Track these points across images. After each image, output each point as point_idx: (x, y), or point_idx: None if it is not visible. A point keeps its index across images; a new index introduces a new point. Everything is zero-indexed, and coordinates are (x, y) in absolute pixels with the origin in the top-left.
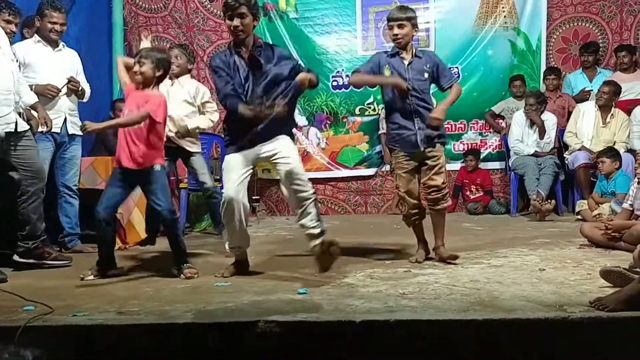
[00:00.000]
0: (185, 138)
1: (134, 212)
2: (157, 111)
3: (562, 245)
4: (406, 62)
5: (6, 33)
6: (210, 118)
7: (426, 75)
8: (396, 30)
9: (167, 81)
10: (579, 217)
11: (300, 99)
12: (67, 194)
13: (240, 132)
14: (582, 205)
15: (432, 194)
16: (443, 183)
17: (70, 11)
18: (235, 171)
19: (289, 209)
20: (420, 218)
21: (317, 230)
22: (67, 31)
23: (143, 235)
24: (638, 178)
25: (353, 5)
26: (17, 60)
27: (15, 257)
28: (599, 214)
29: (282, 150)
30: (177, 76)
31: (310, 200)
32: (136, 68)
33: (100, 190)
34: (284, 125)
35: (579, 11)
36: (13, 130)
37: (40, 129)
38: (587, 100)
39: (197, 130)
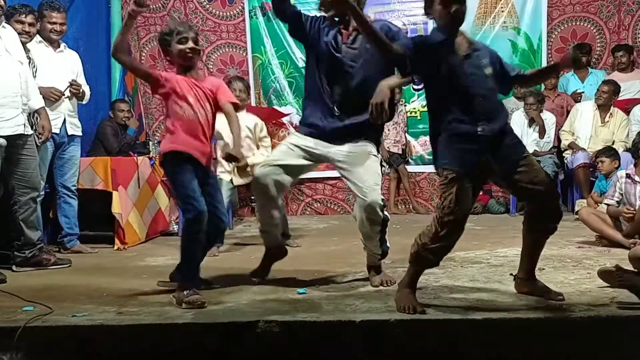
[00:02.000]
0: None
1: (132, 213)
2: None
3: (562, 244)
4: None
5: (19, 34)
6: (266, 153)
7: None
8: None
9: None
10: (578, 216)
11: (298, 98)
12: (66, 194)
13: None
14: (581, 204)
15: None
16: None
17: (68, 11)
18: (284, 152)
19: (288, 210)
20: None
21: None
22: (67, 32)
23: (142, 236)
24: (627, 173)
25: None
26: (30, 62)
27: (14, 268)
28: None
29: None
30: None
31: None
32: (192, 44)
33: (99, 190)
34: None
35: (577, 11)
36: (22, 132)
37: (39, 139)
38: (579, 102)
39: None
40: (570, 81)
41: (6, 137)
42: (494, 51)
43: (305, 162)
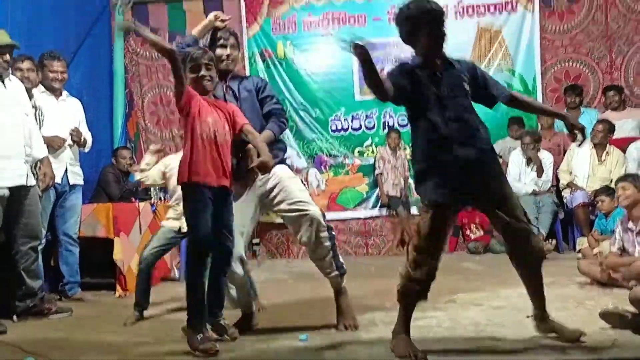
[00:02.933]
0: None
1: (133, 259)
2: None
3: (564, 284)
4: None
5: (22, 80)
6: None
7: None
8: None
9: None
10: (580, 255)
11: (299, 141)
12: (67, 242)
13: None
14: (582, 243)
15: None
16: None
17: (72, 60)
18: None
19: (290, 252)
20: None
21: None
22: (69, 80)
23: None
24: (621, 220)
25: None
26: (36, 110)
27: (15, 318)
28: (599, 252)
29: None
30: None
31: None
32: (204, 72)
33: (101, 237)
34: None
35: (569, 52)
36: (24, 183)
37: (40, 186)
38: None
39: None
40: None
41: (9, 188)
42: (473, 66)
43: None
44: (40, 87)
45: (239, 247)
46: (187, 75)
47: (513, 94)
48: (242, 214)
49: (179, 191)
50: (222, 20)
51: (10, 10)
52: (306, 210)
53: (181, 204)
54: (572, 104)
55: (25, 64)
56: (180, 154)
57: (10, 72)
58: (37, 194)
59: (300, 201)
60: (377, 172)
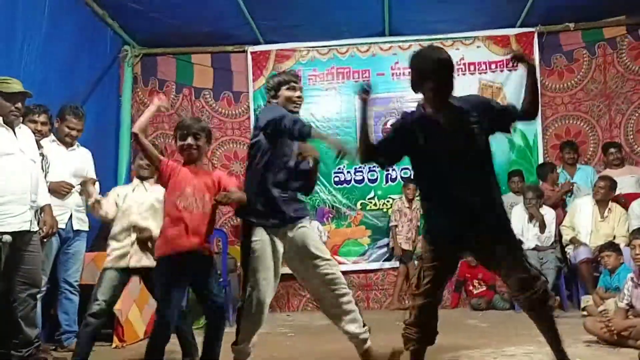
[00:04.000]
0: None
1: (132, 310)
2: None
3: (569, 342)
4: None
5: (33, 132)
6: None
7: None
8: None
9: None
10: (585, 312)
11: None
12: (68, 290)
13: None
14: (587, 300)
15: None
16: None
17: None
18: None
19: (290, 306)
20: None
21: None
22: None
23: (141, 334)
24: (631, 276)
25: (353, 106)
26: (44, 159)
27: None
28: (604, 310)
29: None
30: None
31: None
32: (190, 141)
33: None
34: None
35: (569, 110)
36: (28, 229)
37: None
38: (571, 192)
39: None
40: (560, 176)
41: (12, 233)
42: (481, 100)
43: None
44: (52, 137)
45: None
46: (176, 144)
47: (523, 108)
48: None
49: (121, 222)
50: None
51: (25, 62)
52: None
53: (124, 236)
54: (570, 160)
55: (42, 118)
56: (128, 185)
57: (21, 120)
58: (39, 241)
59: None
60: (391, 224)
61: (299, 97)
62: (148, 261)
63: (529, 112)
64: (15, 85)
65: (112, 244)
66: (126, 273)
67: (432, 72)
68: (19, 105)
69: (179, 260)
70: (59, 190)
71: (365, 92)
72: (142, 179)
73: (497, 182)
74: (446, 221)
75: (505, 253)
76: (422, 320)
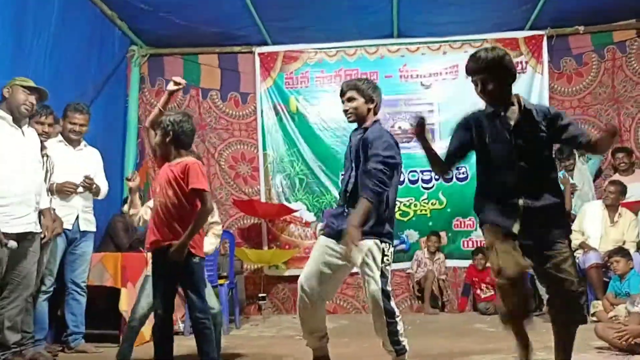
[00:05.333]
0: None
1: None
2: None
3: (581, 348)
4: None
5: (40, 134)
6: (214, 241)
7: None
8: None
9: None
10: (595, 318)
11: (308, 195)
12: (75, 291)
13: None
14: (596, 306)
15: None
16: None
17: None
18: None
19: (296, 308)
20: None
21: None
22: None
23: (148, 335)
24: None
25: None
26: (48, 159)
27: None
28: (614, 316)
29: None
30: None
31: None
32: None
33: (105, 287)
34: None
35: (577, 114)
36: (32, 230)
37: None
38: (573, 193)
39: None
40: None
41: (16, 235)
42: (550, 111)
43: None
44: (59, 137)
45: None
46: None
47: (592, 141)
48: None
49: None
50: (177, 83)
51: (33, 61)
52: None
53: None
54: (623, 165)
55: (49, 119)
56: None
57: (28, 121)
58: (39, 243)
59: None
60: (409, 270)
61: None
62: None
63: (590, 149)
64: (29, 82)
65: None
66: None
67: (478, 73)
68: (33, 100)
69: (153, 257)
70: (62, 190)
71: (419, 125)
72: None
73: (556, 184)
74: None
75: (554, 257)
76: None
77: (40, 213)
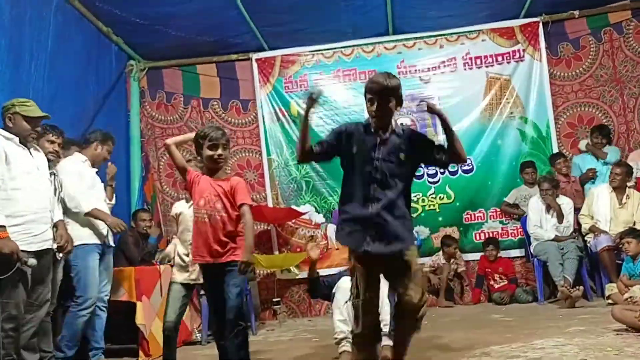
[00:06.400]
0: None
1: (154, 323)
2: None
3: (599, 332)
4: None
5: (49, 153)
6: None
7: (401, 155)
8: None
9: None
10: (610, 301)
11: (316, 197)
12: (98, 306)
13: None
14: (611, 288)
15: None
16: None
17: (90, 128)
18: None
19: (311, 310)
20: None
21: None
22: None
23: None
24: None
25: (362, 107)
26: (55, 177)
27: None
28: (630, 297)
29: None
30: None
31: None
32: (220, 152)
33: (122, 301)
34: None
35: (580, 97)
36: (49, 247)
37: (58, 253)
38: (593, 179)
39: None
40: (586, 161)
41: (35, 252)
42: (412, 133)
43: None
44: (82, 157)
45: None
46: (204, 152)
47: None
48: None
49: (187, 238)
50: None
51: (32, 81)
52: None
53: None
54: (599, 145)
55: (60, 139)
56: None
57: (36, 141)
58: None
59: None
60: (425, 269)
61: None
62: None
63: (453, 155)
64: (36, 109)
65: (175, 264)
66: (189, 287)
67: (369, 95)
68: (38, 128)
69: (207, 270)
70: (116, 227)
71: (313, 99)
72: None
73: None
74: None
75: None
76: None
77: (55, 225)
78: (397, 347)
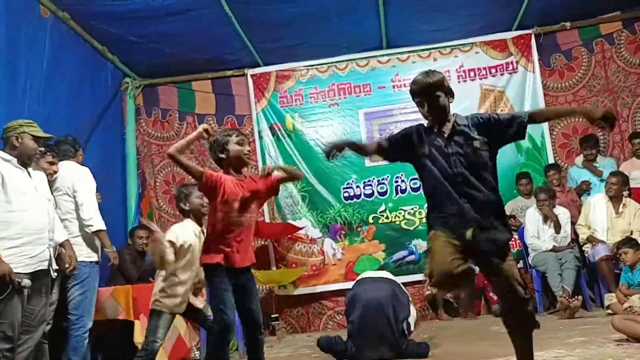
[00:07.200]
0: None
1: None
2: None
3: (599, 343)
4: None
5: (50, 174)
6: None
7: (477, 143)
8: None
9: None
10: (609, 311)
11: (312, 211)
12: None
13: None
14: (610, 298)
15: None
16: None
17: (86, 146)
18: None
19: (310, 325)
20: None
21: None
22: (84, 164)
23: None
24: None
25: (357, 120)
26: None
27: None
28: (629, 307)
29: None
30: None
31: None
32: (246, 148)
33: (121, 320)
34: None
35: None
36: (46, 268)
37: (67, 268)
38: (587, 191)
39: None
40: (582, 172)
41: (30, 274)
42: (480, 116)
43: None
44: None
45: None
46: (232, 148)
47: (531, 114)
48: None
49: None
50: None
51: (28, 101)
52: None
53: (172, 280)
54: (590, 156)
55: (56, 160)
56: (182, 223)
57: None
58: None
59: None
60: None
61: None
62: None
63: (537, 119)
64: (40, 130)
65: (158, 289)
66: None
67: (418, 95)
68: (42, 148)
69: (233, 272)
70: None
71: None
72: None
73: (496, 192)
74: (449, 223)
75: (501, 265)
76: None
77: (61, 245)
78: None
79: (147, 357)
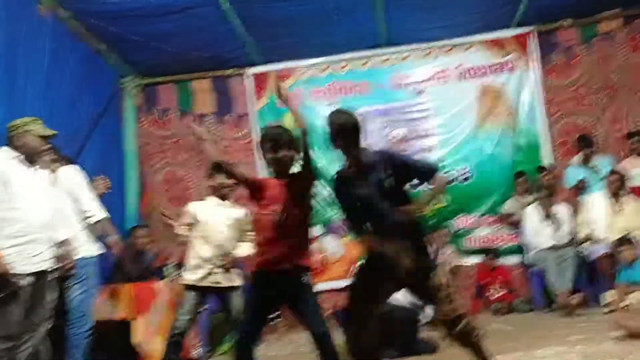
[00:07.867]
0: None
1: (156, 339)
2: None
3: (599, 340)
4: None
5: (54, 171)
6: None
7: (385, 182)
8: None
9: (211, 201)
10: (609, 308)
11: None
12: None
13: None
14: (610, 296)
15: None
16: None
17: (85, 145)
18: None
19: None
20: None
21: None
22: (83, 163)
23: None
24: None
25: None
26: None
27: None
28: (630, 304)
29: None
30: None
31: None
32: (285, 152)
33: (121, 320)
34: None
35: (573, 105)
36: (46, 268)
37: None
38: (584, 190)
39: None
40: (576, 171)
41: (31, 274)
42: (388, 154)
43: None
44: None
45: None
46: (266, 155)
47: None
48: None
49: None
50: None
51: (28, 100)
52: None
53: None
54: (587, 155)
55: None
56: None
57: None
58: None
59: None
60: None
61: None
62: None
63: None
64: (45, 129)
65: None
66: (199, 291)
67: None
68: (46, 146)
69: (267, 278)
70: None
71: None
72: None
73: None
74: None
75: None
76: None
77: (62, 244)
78: None
79: (173, 333)
